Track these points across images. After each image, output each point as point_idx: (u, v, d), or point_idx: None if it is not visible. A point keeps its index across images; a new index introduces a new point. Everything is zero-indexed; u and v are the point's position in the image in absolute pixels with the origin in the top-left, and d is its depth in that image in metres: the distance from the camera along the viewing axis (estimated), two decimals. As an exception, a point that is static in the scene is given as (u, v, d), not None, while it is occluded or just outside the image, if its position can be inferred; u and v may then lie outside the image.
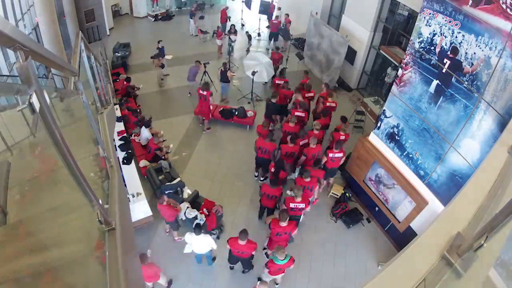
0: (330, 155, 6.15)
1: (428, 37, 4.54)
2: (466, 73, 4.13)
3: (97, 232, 1.86)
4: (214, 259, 5.62)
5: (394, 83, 5.35)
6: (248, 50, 11.94)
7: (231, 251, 4.88)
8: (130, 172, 6.24)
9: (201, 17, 14.42)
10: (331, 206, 6.74)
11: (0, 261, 1.48)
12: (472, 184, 2.38)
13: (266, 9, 13.42)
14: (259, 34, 13.63)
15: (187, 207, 5.75)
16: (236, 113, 8.55)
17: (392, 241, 6.19)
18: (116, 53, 10.99)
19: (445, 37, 4.29)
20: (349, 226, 6.38)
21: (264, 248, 5.70)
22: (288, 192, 5.83)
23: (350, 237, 6.26)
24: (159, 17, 14.60)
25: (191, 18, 13.17)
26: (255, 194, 6.66)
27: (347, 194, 6.74)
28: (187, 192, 6.35)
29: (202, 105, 7.85)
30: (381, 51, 8.75)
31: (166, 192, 6.00)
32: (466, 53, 4.07)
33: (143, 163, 6.99)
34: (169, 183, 6.21)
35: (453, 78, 4.31)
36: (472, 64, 4.03)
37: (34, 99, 1.04)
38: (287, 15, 12.21)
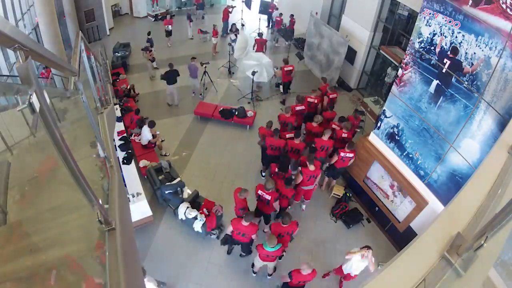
0: (342, 154, 6.06)
1: (428, 37, 4.54)
2: (466, 73, 4.13)
3: (97, 232, 1.86)
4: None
5: (394, 83, 5.35)
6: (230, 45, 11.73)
7: (231, 233, 4.95)
8: (130, 172, 6.24)
9: (202, 17, 14.44)
10: (331, 206, 6.74)
11: (0, 261, 1.48)
12: (472, 184, 2.38)
13: (266, 9, 13.43)
14: (259, 34, 13.62)
15: (187, 207, 5.75)
16: (236, 113, 8.55)
17: (392, 241, 6.19)
18: (116, 53, 10.99)
19: (445, 37, 4.29)
20: (349, 226, 6.38)
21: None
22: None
23: (350, 237, 6.25)
24: (159, 17, 14.61)
25: (189, 21, 13.03)
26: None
27: (347, 194, 6.75)
28: (187, 192, 6.35)
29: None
30: (381, 51, 8.76)
31: (166, 192, 6.01)
32: (466, 53, 4.07)
33: (143, 163, 6.98)
34: (169, 183, 6.21)
35: (453, 78, 4.31)
36: (472, 64, 4.03)
37: (34, 99, 1.04)
38: (292, 15, 12.22)
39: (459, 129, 4.38)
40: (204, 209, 5.99)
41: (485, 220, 1.82)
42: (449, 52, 4.28)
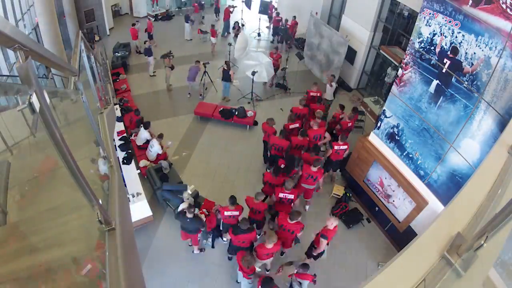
0: (336, 147, 6.38)
1: (428, 37, 4.54)
2: (466, 73, 4.13)
3: (97, 232, 1.86)
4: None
5: (394, 83, 5.35)
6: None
7: (231, 241, 4.97)
8: (130, 172, 6.24)
9: (202, 17, 14.45)
10: (331, 206, 6.74)
11: (0, 261, 1.48)
12: (472, 184, 2.38)
13: (266, 9, 13.44)
14: (259, 34, 13.65)
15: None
16: (236, 113, 8.55)
17: (392, 241, 6.18)
18: (116, 53, 10.99)
19: (445, 37, 4.29)
20: (349, 226, 6.38)
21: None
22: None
23: (350, 237, 6.25)
24: (159, 17, 14.60)
25: (187, 22, 12.69)
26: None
27: (347, 194, 6.75)
28: (187, 192, 6.34)
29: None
30: (381, 51, 8.76)
31: (165, 190, 6.01)
32: (466, 53, 4.07)
33: (143, 163, 6.98)
34: (168, 183, 6.22)
35: (453, 78, 4.31)
36: (472, 64, 4.03)
37: (34, 99, 1.04)
38: (294, 17, 12.21)
39: (459, 129, 4.38)
40: (204, 209, 5.99)
41: (485, 220, 1.82)
42: (449, 52, 4.28)
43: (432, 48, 4.51)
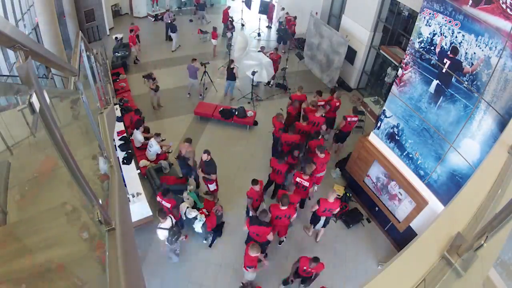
0: (348, 119, 7.08)
1: (428, 37, 4.54)
2: (466, 73, 4.13)
3: (97, 232, 1.86)
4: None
5: (394, 83, 5.35)
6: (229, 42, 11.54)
7: (249, 233, 5.04)
8: (130, 172, 6.24)
9: (202, 17, 14.42)
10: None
11: (0, 261, 1.48)
12: (472, 184, 2.38)
13: (266, 9, 13.44)
14: (259, 34, 13.64)
15: (187, 207, 5.75)
16: (236, 113, 8.55)
17: (392, 241, 6.19)
18: (116, 53, 10.98)
19: (445, 37, 4.29)
20: (349, 226, 6.38)
21: None
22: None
23: (350, 237, 6.25)
24: (159, 17, 14.59)
25: (173, 32, 11.72)
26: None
27: (347, 194, 6.75)
28: (187, 193, 6.35)
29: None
30: (381, 51, 8.75)
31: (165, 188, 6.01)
32: (466, 53, 4.07)
33: (143, 163, 6.98)
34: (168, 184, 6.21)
35: (453, 78, 4.31)
36: (472, 64, 4.03)
37: (34, 99, 1.04)
38: (295, 17, 12.19)
39: (459, 129, 4.38)
40: (204, 209, 5.99)
41: (485, 220, 1.82)
42: (449, 52, 4.28)
43: (432, 48, 4.51)
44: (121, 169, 5.77)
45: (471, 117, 4.19)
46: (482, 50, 3.87)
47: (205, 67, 9.18)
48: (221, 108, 8.73)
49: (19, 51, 1.03)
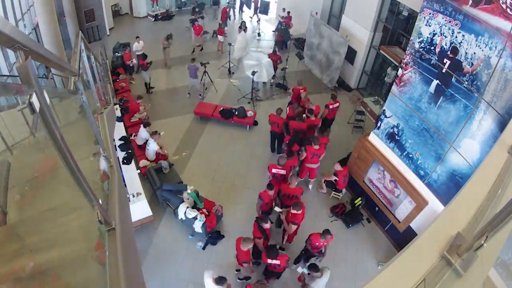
0: (330, 106, 7.48)
1: (428, 37, 4.54)
2: (466, 73, 4.13)
3: (97, 232, 1.86)
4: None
5: (394, 83, 5.35)
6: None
7: (267, 267, 4.86)
8: (130, 172, 6.24)
9: (202, 17, 14.40)
10: (331, 207, 6.74)
11: (0, 261, 1.48)
12: (472, 184, 2.38)
13: (266, 9, 13.45)
14: (259, 34, 13.64)
15: (187, 207, 5.75)
16: (236, 113, 8.55)
17: (392, 241, 6.19)
18: (116, 53, 10.98)
19: (445, 37, 4.29)
20: (349, 226, 6.38)
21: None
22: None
23: (350, 237, 6.25)
24: (159, 17, 14.60)
25: (164, 50, 10.70)
26: (256, 193, 6.65)
27: (360, 202, 6.53)
28: (187, 193, 6.35)
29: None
30: (381, 51, 8.75)
31: (165, 190, 6.01)
32: (466, 53, 4.07)
33: (143, 163, 6.98)
34: (168, 183, 6.21)
35: (453, 78, 4.31)
36: (472, 64, 4.03)
37: (34, 99, 1.04)
38: (288, 12, 12.19)
39: (459, 129, 4.38)
40: (204, 209, 5.99)
41: (485, 220, 1.82)
42: (449, 52, 4.28)
43: (432, 48, 4.51)
44: (121, 169, 5.77)
45: (471, 117, 4.19)
46: (482, 50, 3.87)
47: (205, 67, 9.19)
48: (221, 108, 8.73)
49: (19, 51, 1.03)
